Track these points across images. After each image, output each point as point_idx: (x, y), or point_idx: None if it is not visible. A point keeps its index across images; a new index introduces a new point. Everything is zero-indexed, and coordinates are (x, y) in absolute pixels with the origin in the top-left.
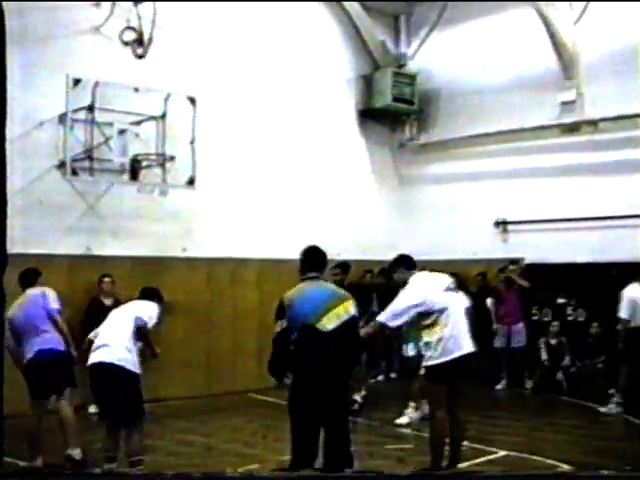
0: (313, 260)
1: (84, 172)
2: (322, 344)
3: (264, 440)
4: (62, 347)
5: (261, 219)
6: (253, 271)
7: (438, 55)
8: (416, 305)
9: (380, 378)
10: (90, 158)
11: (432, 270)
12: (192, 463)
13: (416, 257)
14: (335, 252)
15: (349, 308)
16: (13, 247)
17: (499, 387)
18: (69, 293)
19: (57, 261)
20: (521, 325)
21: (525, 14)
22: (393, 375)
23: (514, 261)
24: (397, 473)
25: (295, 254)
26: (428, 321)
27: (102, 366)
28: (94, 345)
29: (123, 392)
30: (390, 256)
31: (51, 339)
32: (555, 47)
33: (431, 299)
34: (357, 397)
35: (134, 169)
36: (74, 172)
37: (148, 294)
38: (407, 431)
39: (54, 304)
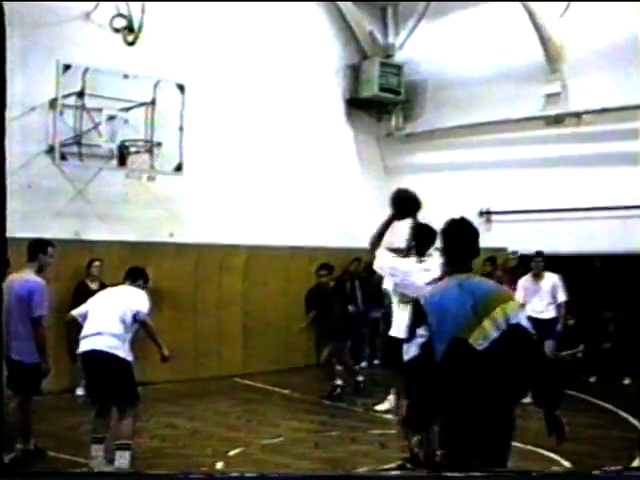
0: (465, 244)
1: (73, 157)
2: (473, 367)
3: (248, 424)
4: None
5: (248, 206)
6: (240, 257)
7: (425, 46)
8: None
9: (364, 364)
10: (79, 143)
11: None
12: (176, 446)
13: (400, 245)
14: (322, 240)
15: (508, 314)
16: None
17: None
18: (57, 277)
19: None
20: None
21: (512, 7)
22: (376, 362)
23: (514, 252)
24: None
25: (282, 241)
26: None
27: (94, 354)
28: (84, 331)
29: (116, 379)
30: None
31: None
32: (541, 40)
33: None
34: (338, 382)
35: (122, 155)
36: (63, 157)
37: (135, 275)
38: (390, 417)
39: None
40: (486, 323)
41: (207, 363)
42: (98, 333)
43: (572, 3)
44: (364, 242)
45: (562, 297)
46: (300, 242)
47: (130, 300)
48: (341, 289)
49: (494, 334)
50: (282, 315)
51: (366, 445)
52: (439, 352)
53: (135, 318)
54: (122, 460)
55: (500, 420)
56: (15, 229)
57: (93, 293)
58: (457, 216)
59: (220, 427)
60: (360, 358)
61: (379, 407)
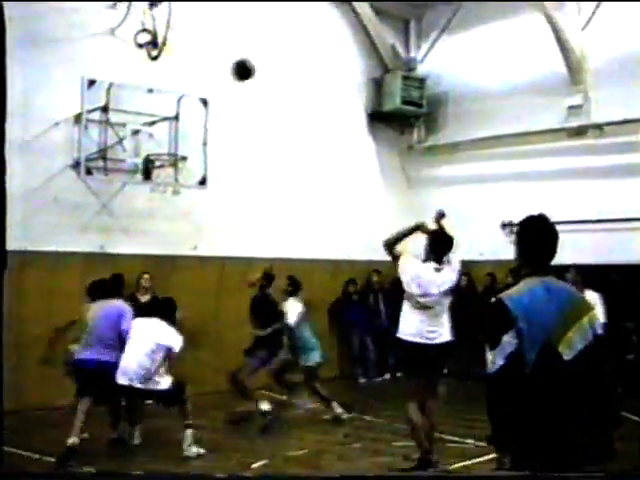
0: (547, 242)
1: (98, 171)
2: (562, 379)
3: (272, 436)
4: None
5: (271, 219)
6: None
7: (447, 59)
8: None
9: (387, 377)
10: (104, 158)
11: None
12: (200, 459)
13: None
14: (344, 253)
15: (594, 323)
16: (29, 245)
17: None
18: (83, 290)
19: (71, 259)
20: None
21: (533, 19)
22: (400, 374)
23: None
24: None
25: (304, 254)
26: None
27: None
28: (123, 362)
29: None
30: None
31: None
32: (563, 52)
33: None
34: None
35: (147, 169)
36: (88, 171)
37: (165, 311)
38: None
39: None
40: (573, 332)
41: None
42: (133, 369)
43: (594, 15)
44: (386, 255)
45: (601, 318)
46: (322, 255)
47: (165, 339)
48: (365, 302)
49: (580, 344)
50: None
51: (389, 457)
52: (529, 362)
53: (167, 352)
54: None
55: (590, 438)
56: (41, 243)
57: (142, 306)
58: (536, 213)
59: (244, 439)
60: (384, 370)
61: (327, 416)
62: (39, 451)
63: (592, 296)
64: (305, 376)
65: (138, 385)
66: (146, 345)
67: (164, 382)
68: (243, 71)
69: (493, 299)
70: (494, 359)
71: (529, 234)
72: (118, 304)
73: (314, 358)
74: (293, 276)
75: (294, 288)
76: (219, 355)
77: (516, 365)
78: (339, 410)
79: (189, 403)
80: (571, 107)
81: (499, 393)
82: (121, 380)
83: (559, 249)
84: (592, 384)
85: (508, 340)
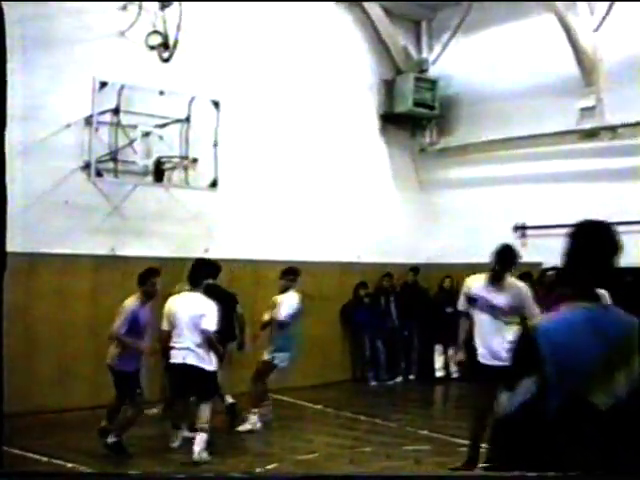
0: (603, 259)
1: (109, 173)
2: (590, 432)
3: (282, 439)
4: None
5: (283, 221)
6: (275, 272)
7: (459, 60)
8: None
9: (399, 380)
10: (115, 160)
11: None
12: (211, 462)
13: (435, 260)
14: (355, 255)
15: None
16: (39, 247)
17: None
18: (93, 293)
19: (82, 261)
20: None
21: (546, 21)
22: (412, 377)
23: (553, 267)
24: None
25: (315, 256)
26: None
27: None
28: (176, 344)
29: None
30: (410, 260)
31: None
32: (575, 53)
33: None
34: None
35: (158, 171)
36: (99, 173)
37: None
38: (424, 432)
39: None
40: (619, 376)
41: (243, 378)
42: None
43: (607, 16)
44: (397, 257)
45: None
46: (333, 257)
47: (202, 316)
48: (376, 304)
49: (624, 388)
50: (317, 331)
51: (400, 461)
52: (550, 409)
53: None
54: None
55: None
56: (52, 245)
57: None
58: (594, 219)
59: (255, 442)
60: (396, 373)
61: (241, 428)
62: (53, 455)
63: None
64: (259, 370)
65: None
66: None
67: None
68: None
69: (522, 328)
70: (507, 401)
71: (580, 245)
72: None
73: (282, 360)
74: (293, 267)
75: (293, 280)
76: (231, 357)
77: (534, 413)
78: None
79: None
80: (584, 109)
81: (509, 435)
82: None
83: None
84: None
85: (527, 386)
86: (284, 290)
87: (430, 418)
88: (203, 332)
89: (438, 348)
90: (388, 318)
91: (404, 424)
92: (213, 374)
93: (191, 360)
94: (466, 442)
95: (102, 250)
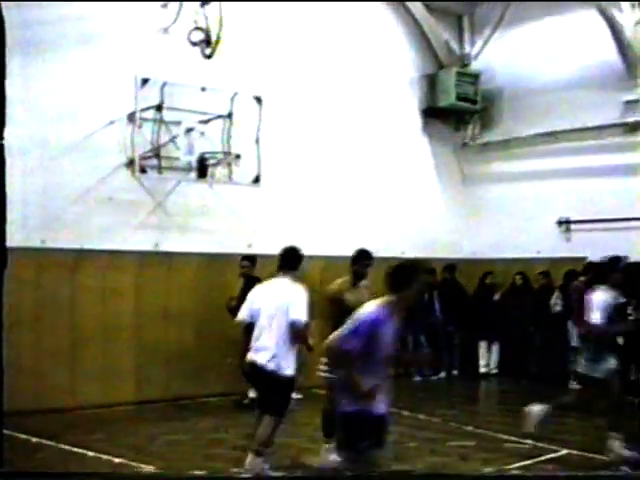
0: None
1: (152, 170)
2: None
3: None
4: None
5: (325, 217)
6: (318, 267)
7: (501, 54)
8: None
9: (442, 375)
10: (158, 156)
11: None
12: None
13: (479, 256)
14: (399, 250)
15: None
16: (84, 243)
17: (574, 386)
18: (138, 287)
19: (126, 257)
20: None
21: (588, 14)
22: (455, 372)
23: (591, 262)
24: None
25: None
26: None
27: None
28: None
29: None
30: (453, 254)
31: None
32: (619, 47)
33: None
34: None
35: (201, 167)
36: (142, 170)
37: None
38: (469, 428)
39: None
40: None
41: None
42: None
43: None
44: (440, 252)
45: None
46: (377, 252)
47: (289, 307)
48: (419, 300)
49: None
50: None
51: (445, 457)
52: None
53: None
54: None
55: None
56: (96, 241)
57: None
58: None
59: (299, 438)
60: (439, 368)
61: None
62: (100, 450)
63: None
64: None
65: None
66: None
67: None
68: None
69: None
70: None
71: None
72: None
73: None
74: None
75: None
76: None
77: None
78: None
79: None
80: (628, 102)
81: None
82: None
83: (617, 245)
84: None
85: None
86: (359, 278)
87: (474, 414)
88: (292, 324)
89: (482, 345)
90: (431, 313)
91: (448, 419)
92: (288, 382)
93: (262, 359)
94: (511, 438)
95: (146, 246)
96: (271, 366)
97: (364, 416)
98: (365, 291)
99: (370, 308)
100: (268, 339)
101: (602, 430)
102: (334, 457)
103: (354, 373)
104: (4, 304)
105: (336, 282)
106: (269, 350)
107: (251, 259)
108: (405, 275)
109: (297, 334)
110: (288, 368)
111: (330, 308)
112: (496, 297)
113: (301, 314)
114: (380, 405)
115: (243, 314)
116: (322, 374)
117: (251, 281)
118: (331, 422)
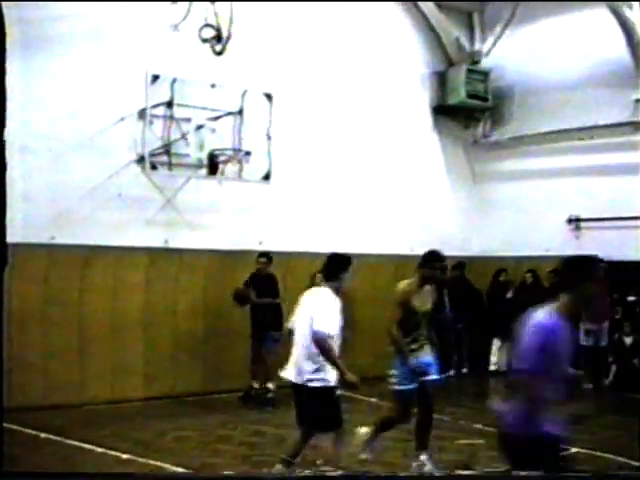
0: None
1: (162, 166)
2: None
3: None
4: None
5: (336, 214)
6: None
7: (512, 52)
8: None
9: (451, 373)
10: (168, 153)
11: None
12: (263, 453)
13: (489, 253)
14: (409, 247)
15: None
16: (94, 239)
17: (584, 385)
18: (147, 284)
19: (136, 253)
20: (607, 324)
21: (599, 12)
22: (464, 370)
23: (601, 260)
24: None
25: (369, 249)
26: None
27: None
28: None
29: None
30: (463, 252)
31: None
32: (630, 45)
33: None
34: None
35: (211, 164)
36: (153, 166)
37: (330, 274)
38: (478, 426)
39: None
40: None
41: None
42: (294, 363)
43: None
44: (450, 250)
45: None
46: (387, 250)
47: (314, 317)
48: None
49: None
50: (369, 323)
51: (454, 454)
52: None
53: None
54: None
55: None
56: (106, 238)
57: None
58: None
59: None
60: (448, 366)
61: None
62: (108, 446)
63: None
64: None
65: None
66: None
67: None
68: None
69: None
70: None
71: None
72: None
73: None
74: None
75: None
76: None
77: None
78: None
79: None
80: (638, 100)
81: None
82: None
83: (627, 244)
84: None
85: None
86: (426, 281)
87: (484, 412)
88: (313, 335)
89: (496, 342)
90: (441, 310)
91: (457, 417)
92: (326, 392)
93: (290, 374)
94: None
95: (156, 243)
96: (301, 380)
97: (544, 439)
98: (429, 294)
99: (541, 316)
100: (296, 352)
101: (611, 429)
102: (429, 467)
103: None
104: (13, 300)
105: (402, 284)
106: (297, 363)
107: (268, 256)
108: (578, 270)
109: (318, 346)
110: (318, 380)
111: (396, 311)
112: (509, 295)
113: (323, 325)
114: (557, 426)
115: (289, 322)
116: (397, 387)
117: (266, 278)
118: (426, 433)
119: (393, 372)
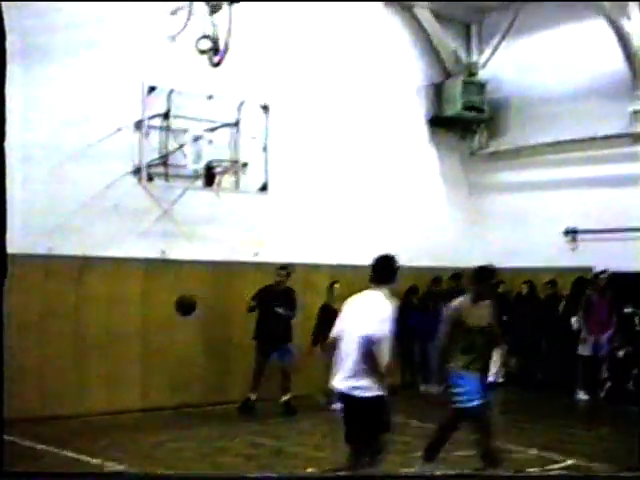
0: None
1: (159, 178)
2: None
3: (334, 443)
4: None
5: (332, 225)
6: (324, 276)
7: (509, 63)
8: None
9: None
10: (165, 164)
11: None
12: (260, 465)
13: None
14: (406, 259)
15: None
16: (90, 250)
17: (580, 396)
18: (144, 295)
19: (132, 264)
20: (608, 334)
21: (596, 24)
22: None
23: (603, 271)
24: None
25: (365, 260)
26: None
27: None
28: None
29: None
30: (459, 264)
31: None
32: (626, 57)
33: None
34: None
35: (208, 175)
36: (149, 178)
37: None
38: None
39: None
40: None
41: (293, 381)
42: (343, 372)
43: None
44: (447, 261)
45: None
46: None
47: (362, 321)
48: (425, 309)
49: None
50: None
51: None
52: None
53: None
54: None
55: None
56: (102, 249)
57: (336, 313)
58: None
59: (305, 446)
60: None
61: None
62: (105, 456)
63: None
64: None
65: None
66: None
67: None
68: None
69: None
70: None
71: None
72: None
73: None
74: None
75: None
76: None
77: None
78: None
79: None
80: (635, 112)
81: None
82: None
83: (623, 255)
84: None
85: None
86: (480, 298)
87: None
88: (361, 339)
89: (495, 353)
90: (438, 322)
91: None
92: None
93: (341, 384)
94: (518, 448)
95: (152, 254)
96: (347, 389)
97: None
98: (487, 310)
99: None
100: (346, 359)
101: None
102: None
103: None
104: (10, 310)
105: (456, 301)
106: (345, 372)
107: (288, 269)
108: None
109: (364, 351)
110: (367, 389)
111: (449, 329)
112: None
113: (372, 330)
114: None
115: (333, 331)
116: (467, 405)
117: (285, 291)
118: (441, 448)
119: (458, 390)
